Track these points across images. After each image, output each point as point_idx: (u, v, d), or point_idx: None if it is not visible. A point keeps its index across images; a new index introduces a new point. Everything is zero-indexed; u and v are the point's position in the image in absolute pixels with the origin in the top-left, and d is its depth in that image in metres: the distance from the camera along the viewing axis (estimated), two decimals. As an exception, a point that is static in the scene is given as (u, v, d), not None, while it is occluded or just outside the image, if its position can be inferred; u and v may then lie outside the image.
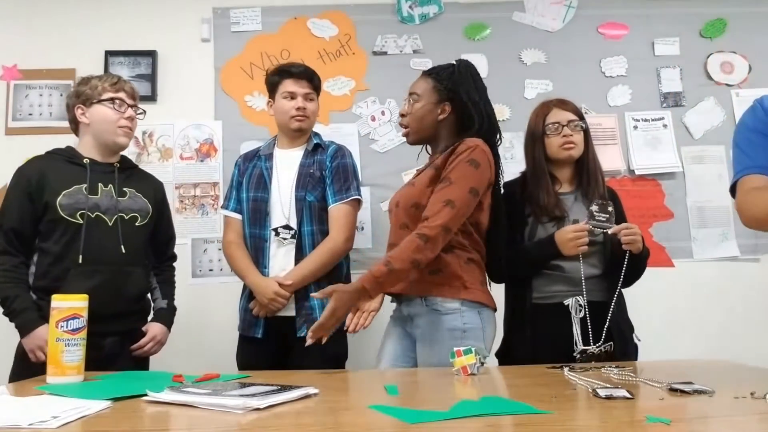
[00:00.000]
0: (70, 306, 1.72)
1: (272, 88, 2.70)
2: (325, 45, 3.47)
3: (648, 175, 3.38)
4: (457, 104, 2.20)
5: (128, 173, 2.47)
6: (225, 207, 2.72)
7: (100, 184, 2.34)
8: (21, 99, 3.37)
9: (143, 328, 2.42)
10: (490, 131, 2.21)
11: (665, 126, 3.43)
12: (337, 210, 2.59)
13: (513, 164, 3.32)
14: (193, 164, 3.35)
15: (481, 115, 2.19)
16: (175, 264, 2.68)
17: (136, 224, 2.39)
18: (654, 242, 3.29)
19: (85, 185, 2.30)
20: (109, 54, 3.40)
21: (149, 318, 2.49)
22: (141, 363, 2.39)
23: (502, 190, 2.34)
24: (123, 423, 1.25)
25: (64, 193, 2.27)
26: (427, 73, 2.29)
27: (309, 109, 2.65)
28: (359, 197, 2.66)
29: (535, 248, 2.27)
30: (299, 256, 2.53)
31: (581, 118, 2.39)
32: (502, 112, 3.42)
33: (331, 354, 2.30)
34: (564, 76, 3.46)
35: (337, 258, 2.56)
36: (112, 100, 2.36)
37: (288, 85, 2.64)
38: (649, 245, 3.20)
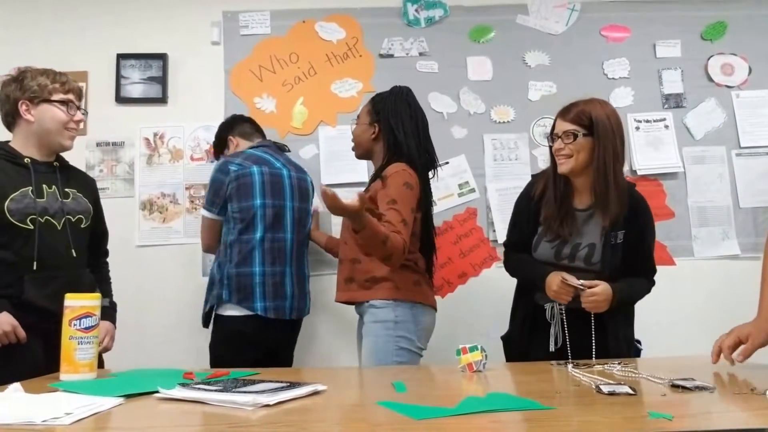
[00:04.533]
0: (83, 305, 1.75)
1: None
2: (332, 48, 3.49)
3: (650, 175, 3.39)
4: (383, 126, 2.49)
5: (66, 173, 2.37)
6: None
7: (44, 186, 2.25)
8: (33, 101, 3.39)
9: None
10: (415, 156, 2.43)
11: (667, 127, 3.44)
12: None
13: (518, 165, 3.36)
14: (203, 165, 3.36)
15: (405, 138, 2.44)
16: (108, 259, 2.61)
17: (82, 226, 2.34)
18: (656, 241, 3.30)
19: (30, 188, 2.20)
20: (120, 57, 3.42)
21: None
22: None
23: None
24: (135, 419, 1.27)
25: (11, 197, 2.16)
26: (371, 98, 2.60)
27: None
28: (203, 212, 2.82)
29: (531, 271, 2.29)
30: None
31: (585, 125, 2.15)
32: (506, 113, 3.44)
33: None
34: (567, 78, 3.47)
35: None
36: (63, 102, 2.26)
37: None
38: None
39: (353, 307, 2.53)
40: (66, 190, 2.31)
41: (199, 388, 1.43)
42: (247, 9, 3.50)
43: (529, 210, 2.32)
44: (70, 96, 2.28)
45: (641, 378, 1.59)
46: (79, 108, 2.32)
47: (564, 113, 2.20)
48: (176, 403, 1.37)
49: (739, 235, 3.32)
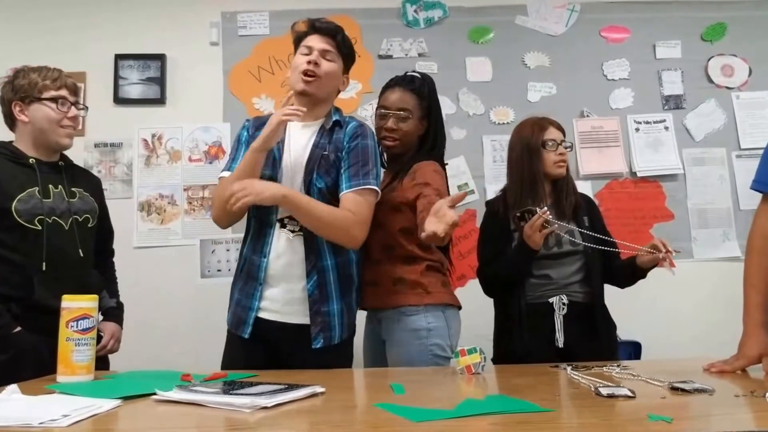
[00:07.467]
0: (79, 306, 1.73)
1: (296, 44, 2.26)
2: (331, 48, 3.49)
3: (649, 176, 3.40)
4: (431, 122, 2.35)
5: (72, 172, 2.33)
6: (230, 169, 2.19)
7: (50, 186, 2.20)
8: (30, 101, 3.39)
9: (99, 327, 2.30)
10: (442, 146, 2.39)
11: (666, 128, 3.45)
12: (349, 200, 2.09)
13: (516, 166, 3.35)
14: (201, 166, 3.37)
15: (443, 131, 2.40)
16: (114, 259, 2.58)
17: (89, 225, 2.30)
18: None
19: (37, 188, 2.16)
20: (118, 57, 3.44)
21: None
22: (103, 361, 2.29)
23: (485, 209, 2.58)
24: (133, 421, 1.27)
25: (18, 198, 2.11)
26: (409, 89, 2.36)
27: (322, 68, 2.15)
28: (376, 188, 2.14)
29: (514, 253, 2.36)
30: (309, 251, 2.11)
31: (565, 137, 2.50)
32: (505, 114, 3.45)
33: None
34: (567, 79, 3.48)
35: (344, 236, 2.08)
36: (54, 99, 2.19)
37: (309, 41, 2.20)
38: (650, 246, 3.27)
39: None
40: (72, 189, 2.28)
41: (196, 390, 1.42)
42: (246, 9, 3.51)
43: (500, 225, 2.45)
44: (63, 92, 2.21)
45: (640, 380, 1.58)
46: (75, 104, 2.25)
47: (556, 124, 2.47)
48: (174, 405, 1.37)
49: (739, 237, 3.32)
